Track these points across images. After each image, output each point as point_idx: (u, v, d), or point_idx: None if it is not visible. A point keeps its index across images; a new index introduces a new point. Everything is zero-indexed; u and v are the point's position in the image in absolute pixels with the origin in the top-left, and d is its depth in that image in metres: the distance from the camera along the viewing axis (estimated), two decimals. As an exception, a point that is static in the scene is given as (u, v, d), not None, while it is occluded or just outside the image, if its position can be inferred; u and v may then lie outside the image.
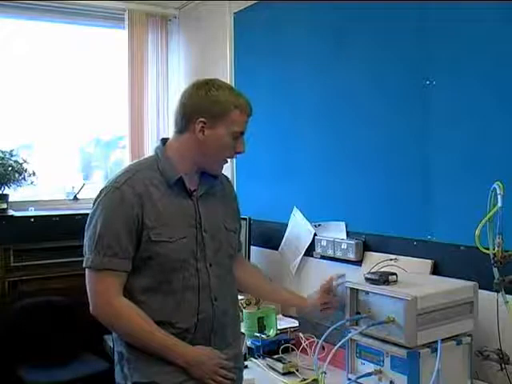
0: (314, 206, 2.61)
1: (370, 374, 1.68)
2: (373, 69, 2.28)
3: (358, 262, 2.33)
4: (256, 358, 2.17)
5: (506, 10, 1.77)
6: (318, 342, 1.75)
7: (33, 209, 3.48)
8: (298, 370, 2.04)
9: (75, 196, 3.69)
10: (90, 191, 3.69)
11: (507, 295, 1.60)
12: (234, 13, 3.23)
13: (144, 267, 1.53)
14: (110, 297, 1.51)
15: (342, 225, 2.43)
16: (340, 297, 1.79)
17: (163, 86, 3.87)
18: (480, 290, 1.71)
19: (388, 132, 2.22)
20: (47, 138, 3.72)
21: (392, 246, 2.19)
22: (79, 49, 3.74)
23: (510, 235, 1.56)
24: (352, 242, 2.35)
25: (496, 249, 1.56)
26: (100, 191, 1.57)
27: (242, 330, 2.13)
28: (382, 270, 1.97)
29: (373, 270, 2.03)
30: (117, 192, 1.52)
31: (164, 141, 1.66)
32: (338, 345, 1.61)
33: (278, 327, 2.37)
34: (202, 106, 1.56)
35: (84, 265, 1.54)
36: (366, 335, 1.69)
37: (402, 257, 2.13)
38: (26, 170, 3.34)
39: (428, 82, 2.02)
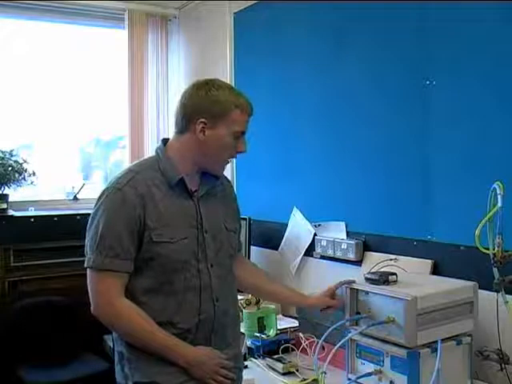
0: (313, 206, 2.61)
1: (370, 374, 1.68)
2: (373, 69, 2.28)
3: (358, 262, 2.33)
4: (256, 358, 2.17)
5: (506, 9, 1.77)
6: (317, 342, 1.75)
7: (33, 209, 3.48)
8: (297, 370, 2.04)
9: (75, 196, 3.69)
10: (90, 191, 3.70)
11: (507, 295, 1.60)
12: (234, 13, 3.23)
13: (145, 268, 1.53)
14: (111, 297, 1.51)
15: (342, 225, 2.43)
16: (340, 297, 1.79)
17: (163, 86, 3.86)
18: (480, 290, 1.71)
19: (388, 132, 2.22)
20: (47, 138, 3.72)
21: (392, 245, 2.19)
22: (79, 49, 3.74)
23: (509, 235, 1.56)
24: (352, 242, 2.35)
25: (496, 249, 1.56)
26: (102, 192, 1.57)
27: (242, 330, 2.13)
28: (381, 270, 1.97)
29: (373, 270, 2.03)
30: (119, 193, 1.52)
31: (165, 141, 1.66)
32: (338, 345, 1.61)
33: (278, 327, 2.37)
34: (203, 106, 1.56)
35: (85, 265, 1.54)
36: (366, 335, 1.69)
37: (402, 257, 2.13)
38: (25, 170, 3.34)
39: (428, 82, 2.02)
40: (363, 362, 1.72)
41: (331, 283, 1.83)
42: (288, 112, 2.79)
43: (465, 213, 1.89)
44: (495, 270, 1.58)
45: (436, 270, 2.00)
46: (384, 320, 1.60)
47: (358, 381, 1.71)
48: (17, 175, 3.30)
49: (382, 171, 2.24)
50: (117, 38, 3.80)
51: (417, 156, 2.09)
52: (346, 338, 1.67)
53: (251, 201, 2.94)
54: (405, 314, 1.56)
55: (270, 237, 2.90)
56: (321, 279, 2.45)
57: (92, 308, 1.53)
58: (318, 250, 2.55)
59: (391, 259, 2.16)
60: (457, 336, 1.67)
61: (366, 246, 2.33)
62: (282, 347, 2.21)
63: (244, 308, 2.41)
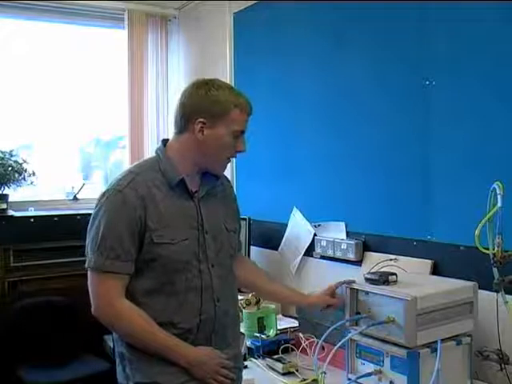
0: (313, 206, 2.61)
1: (369, 374, 1.68)
2: (372, 69, 2.28)
3: (358, 262, 2.33)
4: (256, 358, 2.17)
5: (506, 10, 1.77)
6: (317, 342, 1.75)
7: (33, 209, 3.48)
8: (297, 370, 2.04)
9: (75, 196, 3.69)
10: (90, 191, 3.70)
11: (507, 295, 1.60)
12: (234, 13, 3.23)
13: (146, 269, 1.53)
14: (111, 298, 1.51)
15: (342, 225, 2.43)
16: (340, 296, 1.79)
17: (163, 86, 3.86)
18: (480, 290, 1.71)
19: (388, 132, 2.22)
20: (47, 138, 3.72)
21: (392, 246, 2.19)
22: (79, 49, 3.74)
23: (509, 235, 1.56)
24: (352, 242, 2.35)
25: (496, 249, 1.56)
26: (102, 194, 1.56)
27: (242, 330, 2.13)
28: (381, 270, 1.97)
29: (373, 270, 2.03)
30: (119, 195, 1.52)
31: (165, 142, 1.66)
32: (338, 345, 1.61)
33: (278, 327, 2.37)
34: (202, 105, 1.56)
35: (86, 265, 1.54)
36: (365, 335, 1.69)
37: (402, 257, 2.13)
38: (25, 170, 3.34)
39: (428, 82, 2.02)
40: (363, 362, 1.72)
41: (331, 283, 1.83)
42: (288, 112, 2.79)
43: (465, 213, 1.89)
44: (495, 270, 1.58)
45: (436, 270, 2.00)
46: (384, 320, 1.60)
47: (358, 381, 1.71)
48: (17, 175, 3.30)
49: (381, 171, 2.25)
50: (116, 38, 3.80)
51: (417, 156, 2.09)
52: (346, 338, 1.67)
53: (251, 201, 2.94)
54: (405, 314, 1.56)
55: (270, 237, 2.90)
56: (321, 279, 2.45)
57: (92, 309, 1.53)
58: (318, 250, 2.55)
59: (391, 259, 2.16)
60: (457, 336, 1.67)
61: (366, 246, 2.32)
62: (281, 347, 2.21)
63: (244, 308, 2.41)
